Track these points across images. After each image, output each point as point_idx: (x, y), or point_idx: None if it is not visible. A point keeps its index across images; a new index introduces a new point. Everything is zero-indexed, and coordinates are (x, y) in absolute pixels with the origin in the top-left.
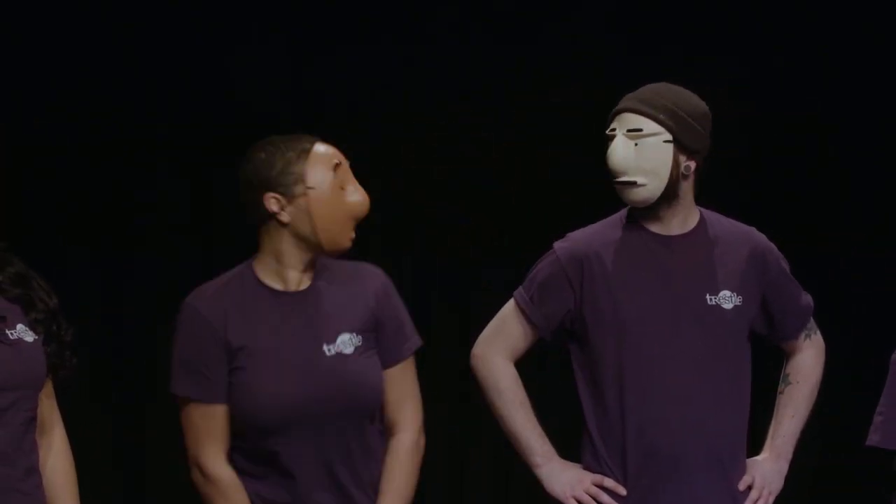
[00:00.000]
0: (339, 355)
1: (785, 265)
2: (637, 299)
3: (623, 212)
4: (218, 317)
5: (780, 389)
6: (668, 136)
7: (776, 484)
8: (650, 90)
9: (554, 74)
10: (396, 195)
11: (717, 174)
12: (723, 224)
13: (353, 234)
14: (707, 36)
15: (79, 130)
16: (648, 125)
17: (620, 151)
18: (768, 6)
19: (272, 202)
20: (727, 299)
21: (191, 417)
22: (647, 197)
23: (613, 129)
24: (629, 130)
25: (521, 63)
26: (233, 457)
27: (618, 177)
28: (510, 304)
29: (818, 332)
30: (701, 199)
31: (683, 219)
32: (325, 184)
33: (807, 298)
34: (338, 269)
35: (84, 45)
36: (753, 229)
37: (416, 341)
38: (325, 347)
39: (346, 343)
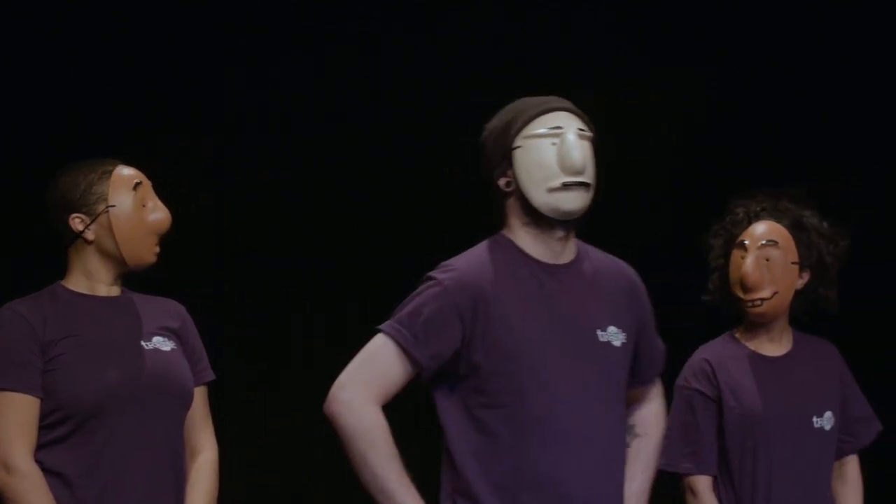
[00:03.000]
0: (157, 350)
1: (649, 304)
2: (531, 335)
3: (498, 237)
4: (36, 316)
5: (626, 441)
6: (592, 141)
7: None
8: (553, 98)
9: (554, 74)
10: (396, 195)
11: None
12: (598, 255)
13: (157, 249)
14: (707, 36)
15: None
16: (587, 128)
17: (580, 149)
18: (770, 7)
19: (76, 222)
20: (615, 336)
21: (2, 412)
22: (586, 203)
23: (559, 128)
24: (580, 130)
25: (521, 63)
26: (45, 462)
27: (578, 176)
28: (381, 341)
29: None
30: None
31: (573, 245)
32: (126, 202)
33: (661, 343)
34: (140, 295)
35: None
36: (624, 262)
37: (211, 374)
38: (142, 342)
39: (162, 342)
